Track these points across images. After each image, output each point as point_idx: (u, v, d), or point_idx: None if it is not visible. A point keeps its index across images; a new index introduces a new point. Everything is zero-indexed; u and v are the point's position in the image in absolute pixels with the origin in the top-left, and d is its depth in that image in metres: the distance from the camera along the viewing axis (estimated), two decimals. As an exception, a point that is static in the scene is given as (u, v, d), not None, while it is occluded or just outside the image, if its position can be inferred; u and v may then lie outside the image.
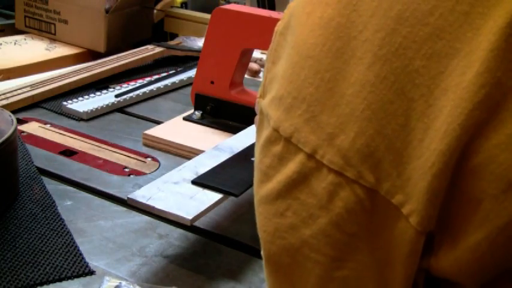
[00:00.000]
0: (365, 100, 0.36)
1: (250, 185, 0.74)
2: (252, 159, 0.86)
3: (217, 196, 0.70)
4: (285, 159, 0.41)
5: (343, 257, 0.40)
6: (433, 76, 0.35)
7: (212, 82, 1.03)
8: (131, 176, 0.89)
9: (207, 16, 1.31)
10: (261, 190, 0.43)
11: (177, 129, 1.02)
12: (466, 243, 0.36)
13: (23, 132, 1.00)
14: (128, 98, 1.16)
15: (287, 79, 0.41)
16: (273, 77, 0.43)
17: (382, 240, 0.38)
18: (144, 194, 0.68)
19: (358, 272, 0.40)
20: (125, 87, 1.22)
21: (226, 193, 0.71)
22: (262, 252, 0.44)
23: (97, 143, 0.98)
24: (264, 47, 1.17)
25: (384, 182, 0.37)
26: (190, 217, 0.64)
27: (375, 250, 0.39)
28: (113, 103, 1.13)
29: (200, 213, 0.66)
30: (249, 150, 0.83)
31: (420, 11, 0.36)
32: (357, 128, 0.37)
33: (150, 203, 0.66)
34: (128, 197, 0.67)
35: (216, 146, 0.83)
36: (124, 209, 0.80)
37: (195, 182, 0.72)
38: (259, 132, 0.45)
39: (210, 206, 0.68)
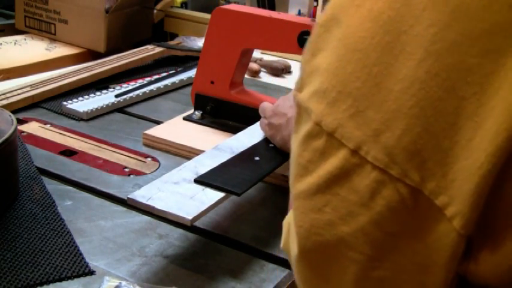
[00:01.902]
0: (414, 97, 0.36)
1: (252, 184, 0.74)
2: (256, 158, 0.86)
3: (218, 196, 0.70)
4: (326, 154, 0.40)
5: (380, 257, 0.39)
6: (487, 74, 0.34)
7: (212, 82, 1.03)
8: (131, 176, 0.89)
9: (207, 16, 1.31)
10: (298, 184, 0.42)
11: (177, 129, 1.02)
12: (508, 249, 0.35)
13: (23, 132, 1.00)
14: (127, 98, 1.16)
15: (332, 72, 0.40)
16: (313, 70, 0.42)
17: (421, 243, 0.37)
18: (144, 194, 0.67)
19: (395, 273, 0.39)
20: (125, 87, 1.22)
21: (228, 192, 0.71)
22: (294, 247, 0.43)
23: (97, 143, 0.98)
24: (264, 47, 1.17)
25: (429, 181, 0.36)
26: (190, 217, 0.64)
27: (414, 252, 0.38)
28: (113, 103, 1.13)
29: (200, 213, 0.66)
30: (251, 150, 0.83)
31: (476, 6, 0.34)
32: (404, 125, 0.36)
33: (150, 203, 0.66)
34: (127, 197, 0.67)
35: (216, 146, 0.83)
36: (124, 209, 0.80)
37: (197, 181, 0.72)
38: (296, 125, 0.44)
39: (210, 206, 0.68)
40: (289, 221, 0.49)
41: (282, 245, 0.51)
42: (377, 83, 0.37)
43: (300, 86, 0.44)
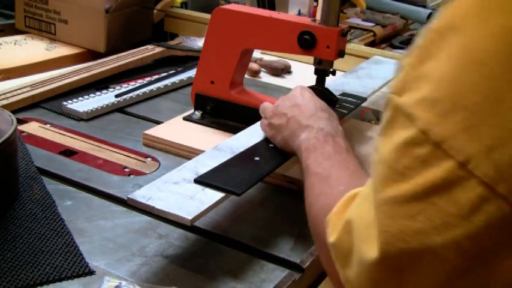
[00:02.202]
0: None
1: (252, 184, 0.74)
2: (256, 158, 0.86)
3: (218, 196, 0.70)
4: (429, 163, 0.40)
5: (467, 269, 0.39)
6: None
7: (212, 82, 1.03)
8: (131, 176, 0.89)
9: (207, 16, 1.30)
10: (389, 189, 0.42)
11: (177, 129, 1.01)
12: None
13: (23, 132, 1.00)
14: (127, 98, 1.16)
15: (447, 82, 0.39)
16: (420, 76, 0.42)
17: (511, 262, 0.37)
18: (144, 194, 0.67)
19: (479, 286, 0.39)
20: (125, 87, 1.22)
21: (228, 192, 0.71)
22: (370, 249, 0.43)
23: (97, 143, 0.98)
24: (264, 47, 1.17)
25: None
26: (190, 217, 0.64)
27: (503, 269, 0.38)
28: (112, 103, 1.13)
29: (200, 213, 0.66)
30: (251, 150, 0.83)
31: None
32: None
33: (150, 203, 0.66)
34: (128, 197, 0.67)
35: (216, 146, 0.83)
36: (124, 209, 0.80)
37: (197, 181, 0.72)
38: (390, 129, 0.43)
39: (210, 206, 0.68)
40: (351, 218, 0.48)
41: (334, 240, 0.50)
42: (497, 99, 0.37)
43: (401, 89, 0.43)
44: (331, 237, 0.51)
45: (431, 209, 0.39)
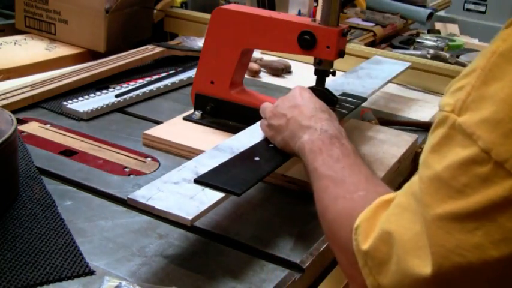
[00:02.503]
0: None
1: (252, 184, 0.74)
2: (256, 158, 0.86)
3: (218, 196, 0.70)
4: (490, 182, 0.41)
5: None
6: None
7: (212, 82, 1.03)
8: (131, 176, 0.89)
9: (207, 16, 1.31)
10: (445, 205, 0.43)
11: (177, 129, 1.01)
12: None
13: (23, 132, 1.00)
14: (127, 98, 1.16)
15: (510, 104, 0.41)
16: (482, 97, 0.43)
17: None
18: (144, 194, 0.67)
19: None
20: (125, 87, 1.22)
21: (228, 192, 0.71)
22: (425, 266, 0.44)
23: (97, 143, 0.98)
24: (264, 47, 1.17)
25: None
26: (190, 217, 0.64)
27: None
28: (112, 103, 1.13)
29: (200, 213, 0.66)
30: (251, 150, 0.83)
31: None
32: None
33: (150, 203, 0.66)
34: (128, 197, 0.67)
35: (216, 146, 0.83)
36: (124, 209, 0.80)
37: (197, 181, 0.72)
38: (446, 147, 0.45)
39: (210, 206, 0.68)
40: (388, 223, 0.49)
41: (368, 247, 0.52)
42: None
43: (461, 109, 0.44)
44: (364, 244, 0.52)
45: (491, 225, 0.41)
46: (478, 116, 0.43)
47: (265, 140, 0.87)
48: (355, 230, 0.54)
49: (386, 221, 0.51)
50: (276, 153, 0.83)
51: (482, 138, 0.42)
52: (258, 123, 0.92)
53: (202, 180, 0.72)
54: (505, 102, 0.41)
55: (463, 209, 0.42)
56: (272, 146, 0.85)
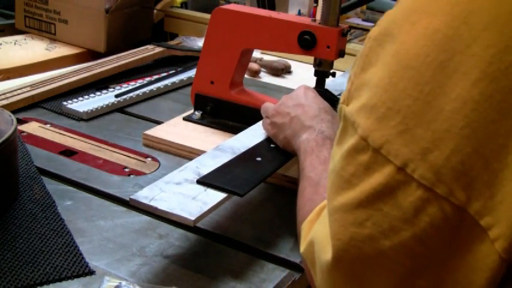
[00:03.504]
0: (466, 117, 0.36)
1: (255, 185, 0.74)
2: (257, 159, 0.86)
3: (220, 196, 0.70)
4: (371, 170, 0.40)
5: (421, 269, 0.39)
6: None
7: (212, 82, 1.03)
8: (131, 176, 0.89)
9: (207, 16, 1.31)
10: (339, 197, 0.43)
11: (177, 129, 1.01)
12: None
13: (23, 132, 1.00)
14: (128, 98, 1.16)
15: (382, 88, 0.40)
16: (362, 84, 0.42)
17: (463, 261, 0.38)
18: (146, 195, 0.67)
19: (434, 285, 0.39)
20: (125, 87, 1.22)
21: (230, 193, 0.71)
22: (328, 258, 0.44)
23: (97, 143, 0.98)
24: (264, 47, 1.17)
25: (475, 201, 0.36)
26: (193, 218, 0.64)
27: (455, 269, 0.38)
28: (113, 103, 1.13)
29: (203, 213, 0.66)
30: (253, 150, 0.83)
31: None
32: (454, 145, 0.36)
33: (153, 203, 0.66)
34: (130, 198, 0.67)
35: (217, 147, 0.83)
36: (124, 209, 0.80)
37: (199, 182, 0.72)
38: (341, 138, 0.44)
39: (213, 206, 0.68)
40: (314, 229, 0.49)
41: (302, 251, 0.51)
42: (428, 102, 0.38)
43: (347, 98, 0.44)
44: (301, 247, 0.52)
45: (378, 215, 0.40)
46: (358, 103, 0.42)
47: (267, 140, 0.87)
48: (300, 233, 0.54)
49: (317, 222, 0.51)
50: (277, 153, 0.83)
51: (361, 125, 0.41)
52: (259, 123, 0.92)
53: (204, 181, 0.72)
54: (377, 87, 0.40)
55: (352, 200, 0.41)
56: (273, 146, 0.85)
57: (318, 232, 0.47)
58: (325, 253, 0.44)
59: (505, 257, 0.36)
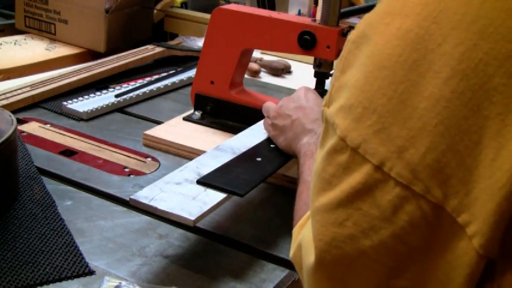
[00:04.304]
0: (439, 115, 0.36)
1: (255, 185, 0.74)
2: (258, 159, 0.86)
3: (220, 197, 0.70)
4: (350, 169, 0.40)
5: (402, 267, 0.40)
6: None
7: (212, 82, 1.03)
8: (131, 176, 0.89)
9: (207, 16, 1.30)
10: (321, 198, 0.43)
11: (177, 129, 1.01)
12: None
13: (23, 132, 1.00)
14: (127, 98, 1.16)
15: (359, 88, 0.40)
16: (341, 86, 0.43)
17: (442, 259, 0.38)
18: (146, 195, 0.67)
19: (415, 284, 0.40)
20: (125, 87, 1.22)
21: (231, 193, 0.71)
22: (312, 260, 0.44)
23: (97, 143, 0.98)
24: (264, 47, 1.17)
25: (451, 199, 0.36)
26: (193, 218, 0.64)
27: (435, 267, 0.38)
28: (113, 103, 1.13)
29: (203, 213, 0.66)
30: (253, 151, 0.83)
31: (505, 27, 0.35)
32: (429, 143, 0.37)
33: (153, 203, 0.66)
34: (130, 198, 0.67)
35: (218, 147, 0.83)
36: (124, 209, 0.80)
37: (199, 182, 0.72)
38: (323, 140, 0.44)
39: (213, 206, 0.68)
40: (302, 233, 0.49)
41: (291, 255, 0.52)
42: (403, 100, 0.38)
43: (329, 101, 0.44)
44: (291, 252, 0.52)
45: (357, 214, 0.40)
46: (337, 105, 0.42)
47: (267, 141, 0.87)
48: (292, 237, 0.54)
49: (306, 226, 0.50)
50: (277, 153, 0.83)
51: (339, 126, 0.41)
52: (259, 123, 0.92)
53: (205, 181, 0.72)
54: (354, 88, 0.41)
55: (332, 200, 0.42)
56: (273, 146, 0.85)
57: (305, 236, 0.48)
58: (309, 255, 0.44)
59: (483, 254, 0.36)
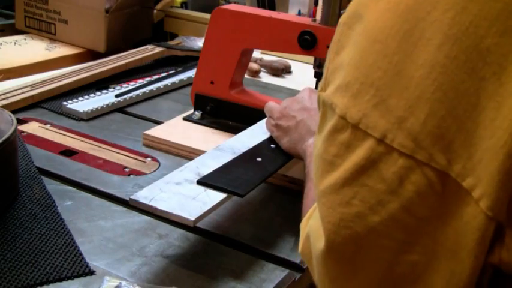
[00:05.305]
0: (435, 81, 0.36)
1: (255, 185, 0.74)
2: (258, 159, 0.86)
3: (220, 197, 0.70)
4: (352, 146, 0.40)
5: (412, 240, 0.39)
6: (505, 53, 0.35)
7: (212, 82, 1.03)
8: (131, 176, 0.89)
9: (207, 16, 1.31)
10: (325, 180, 0.43)
11: (177, 129, 1.01)
12: None
13: (23, 132, 1.00)
14: (127, 98, 1.16)
15: (354, 65, 0.41)
16: (336, 67, 0.43)
17: (451, 227, 0.38)
18: (146, 195, 0.67)
19: (427, 257, 0.39)
20: (125, 87, 1.22)
21: (231, 193, 0.71)
22: (321, 245, 0.43)
23: (97, 143, 0.98)
24: (264, 47, 1.17)
25: (455, 164, 0.36)
26: (193, 218, 0.64)
27: (444, 236, 0.38)
28: (113, 103, 1.13)
29: (203, 214, 0.66)
30: (253, 151, 0.83)
31: None
32: (428, 110, 0.37)
33: (153, 203, 0.66)
34: (130, 198, 0.67)
35: (218, 147, 0.83)
36: (124, 209, 0.80)
37: (200, 182, 0.72)
38: (321, 125, 0.44)
39: (213, 206, 0.68)
40: (310, 224, 0.49)
41: (299, 250, 0.51)
42: (398, 71, 0.38)
43: (324, 85, 0.44)
44: (299, 246, 0.52)
45: (363, 191, 0.40)
46: (334, 86, 0.43)
47: (267, 141, 0.87)
48: (300, 231, 0.54)
49: (312, 217, 0.50)
50: (278, 153, 0.83)
51: (338, 104, 0.41)
52: (259, 123, 0.92)
53: (205, 182, 0.72)
54: (350, 65, 0.41)
55: (337, 180, 0.41)
56: (274, 146, 0.85)
57: (312, 225, 0.47)
58: (319, 241, 0.44)
59: (491, 215, 0.36)
